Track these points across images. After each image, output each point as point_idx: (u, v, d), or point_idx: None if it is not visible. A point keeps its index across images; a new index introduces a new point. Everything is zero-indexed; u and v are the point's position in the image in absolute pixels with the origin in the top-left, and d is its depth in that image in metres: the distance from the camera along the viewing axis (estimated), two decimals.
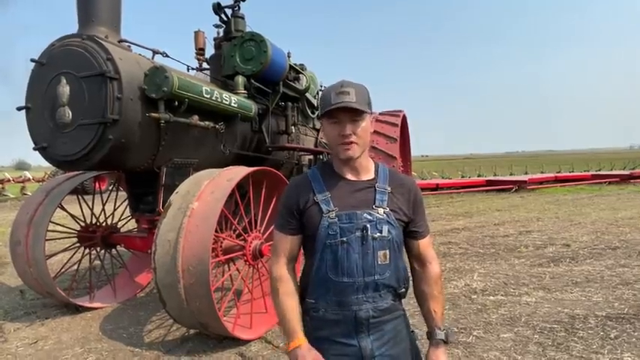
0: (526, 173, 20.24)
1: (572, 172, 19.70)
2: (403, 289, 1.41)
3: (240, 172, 3.37)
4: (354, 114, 1.30)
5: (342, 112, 1.29)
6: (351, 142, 1.30)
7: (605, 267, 5.02)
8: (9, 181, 18.44)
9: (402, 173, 1.54)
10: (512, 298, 4.07)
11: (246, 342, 3.31)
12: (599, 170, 20.59)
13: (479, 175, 19.62)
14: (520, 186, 14.69)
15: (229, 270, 3.77)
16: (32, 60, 3.21)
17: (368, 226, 1.30)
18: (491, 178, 17.24)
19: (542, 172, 20.05)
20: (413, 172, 21.16)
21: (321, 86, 8.24)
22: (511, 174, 19.91)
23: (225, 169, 3.48)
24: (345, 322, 1.33)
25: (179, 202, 3.16)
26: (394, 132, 6.50)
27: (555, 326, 3.38)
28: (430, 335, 1.42)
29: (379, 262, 1.32)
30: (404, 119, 7.23)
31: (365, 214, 1.32)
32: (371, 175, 1.40)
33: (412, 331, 1.46)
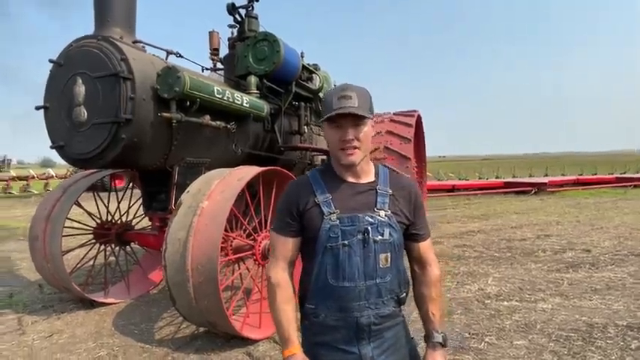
0: (546, 175, 19.72)
1: (595, 174, 19.06)
2: (404, 294, 1.39)
3: (250, 171, 3.38)
4: (356, 119, 1.29)
5: (344, 117, 1.28)
6: (354, 148, 1.30)
7: (627, 274, 4.83)
8: (33, 177, 19.09)
9: (402, 175, 1.51)
10: (527, 304, 3.95)
11: (254, 341, 3.32)
12: (624, 173, 19.89)
13: (497, 177, 19.22)
14: (540, 188, 14.31)
15: (239, 269, 3.78)
16: (50, 60, 3.29)
17: (369, 229, 1.29)
18: (510, 179, 16.88)
19: (563, 175, 19.49)
20: (428, 173, 20.92)
21: (335, 86, 8.20)
22: (530, 176, 19.43)
23: (235, 168, 3.49)
24: (345, 329, 1.31)
25: (190, 201, 3.19)
26: (408, 132, 6.42)
27: (572, 335, 3.26)
28: (428, 338, 1.42)
29: (380, 266, 1.31)
30: (418, 119, 7.13)
31: (367, 217, 1.30)
32: (371, 178, 1.39)
33: (412, 338, 1.44)
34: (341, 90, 1.30)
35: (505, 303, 4.02)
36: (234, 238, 3.50)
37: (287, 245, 1.38)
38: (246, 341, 3.29)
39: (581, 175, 18.64)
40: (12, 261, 6.26)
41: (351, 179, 1.37)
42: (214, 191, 3.17)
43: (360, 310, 1.29)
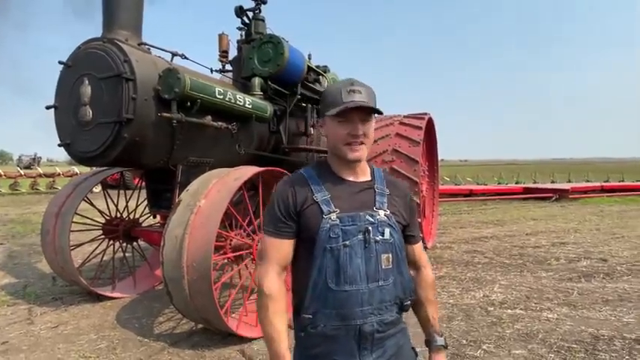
0: (569, 181, 19.05)
1: (622, 181, 18.28)
2: (408, 302, 1.32)
3: (247, 171, 3.42)
4: (365, 114, 1.25)
5: (354, 112, 1.23)
6: (361, 143, 1.26)
7: None
8: (59, 175, 19.88)
9: (393, 176, 1.47)
10: (531, 313, 3.83)
11: (250, 340, 3.35)
12: None
13: (517, 182, 18.70)
14: (561, 195, 13.82)
15: (238, 268, 3.82)
16: (60, 62, 3.44)
17: (370, 228, 1.23)
18: (530, 185, 16.37)
19: (587, 181, 18.78)
20: (446, 177, 20.61)
21: None
22: (552, 182, 18.81)
23: (234, 168, 3.54)
24: (346, 338, 1.21)
25: (188, 200, 3.25)
26: (417, 135, 6.34)
27: (575, 346, 3.14)
28: (429, 342, 1.37)
29: (383, 267, 1.24)
30: (429, 122, 7.03)
31: (367, 216, 1.25)
32: (368, 177, 1.35)
33: (412, 347, 1.37)
34: (349, 84, 1.24)
35: (509, 311, 3.91)
36: (232, 238, 3.55)
37: (282, 248, 1.27)
38: (242, 339, 3.32)
39: (606, 181, 17.91)
40: (30, 255, 6.54)
41: (348, 177, 1.32)
42: (211, 190, 3.23)
43: (364, 317, 1.21)
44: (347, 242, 1.21)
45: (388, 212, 1.28)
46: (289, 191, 1.28)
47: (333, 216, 1.22)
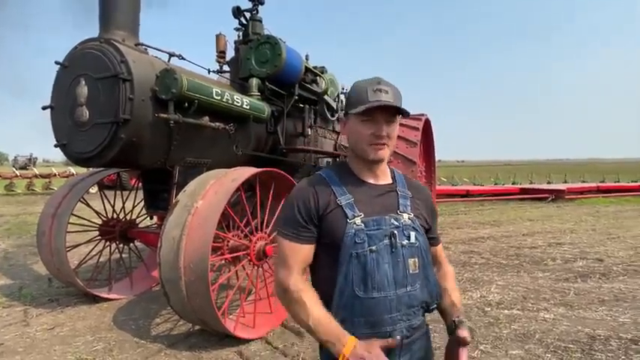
0: (565, 182, 19.15)
1: (618, 182, 18.39)
2: (434, 306, 1.30)
3: (245, 172, 3.41)
4: (390, 115, 1.22)
5: (380, 111, 1.20)
6: (384, 144, 1.23)
7: (639, 285, 4.64)
8: (55, 175, 19.76)
9: (413, 179, 1.46)
10: (528, 314, 3.85)
11: (247, 341, 3.34)
12: None
13: (513, 183, 18.78)
14: (557, 195, 13.89)
15: (235, 269, 3.82)
16: (56, 62, 3.42)
17: (396, 232, 1.20)
18: (526, 186, 16.45)
19: (583, 181, 18.88)
20: (443, 178, 20.65)
21: (343, 88, 8.20)
22: (549, 182, 18.89)
23: (232, 169, 3.54)
24: None
25: (185, 201, 3.24)
26: (415, 136, 6.36)
27: (571, 346, 3.16)
28: (457, 323, 1.28)
29: (410, 272, 1.21)
30: (427, 123, 7.05)
31: (392, 220, 1.22)
32: (389, 180, 1.33)
33: (431, 347, 1.36)
34: (376, 83, 1.21)
35: (506, 311, 3.92)
36: (230, 239, 3.54)
37: (302, 253, 1.22)
38: (239, 340, 3.31)
39: (602, 182, 18.02)
40: (26, 256, 6.50)
41: (370, 180, 1.28)
42: (209, 191, 3.22)
43: (393, 324, 1.18)
44: (373, 247, 1.18)
45: (412, 215, 1.26)
46: (311, 193, 1.23)
47: (358, 220, 1.19)
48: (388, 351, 1.17)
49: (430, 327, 1.39)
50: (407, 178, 1.38)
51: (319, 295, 1.22)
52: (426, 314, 1.31)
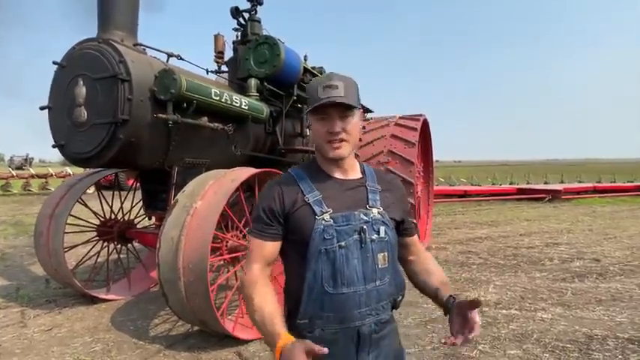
0: (562, 182, 19.24)
1: (614, 182, 18.49)
2: (400, 297, 1.32)
3: (244, 173, 3.41)
4: (344, 109, 1.21)
5: (331, 108, 1.20)
6: (341, 140, 1.22)
7: (636, 285, 4.67)
8: (52, 176, 19.65)
9: (384, 171, 1.46)
10: (526, 313, 3.86)
11: (246, 341, 3.34)
12: None
13: (510, 183, 18.85)
14: (554, 195, 13.95)
15: (235, 269, 3.81)
16: (54, 62, 3.40)
17: (365, 227, 1.21)
18: (523, 186, 16.51)
19: (579, 182, 18.98)
20: (440, 178, 20.70)
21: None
22: (546, 182, 18.98)
23: (231, 169, 3.53)
24: (345, 341, 1.19)
25: (184, 201, 3.24)
26: (413, 136, 6.38)
27: (569, 346, 3.17)
28: (448, 301, 1.25)
29: (379, 266, 1.22)
30: (424, 124, 7.07)
31: (361, 215, 1.22)
32: (358, 174, 1.33)
33: (399, 343, 1.37)
34: (327, 79, 1.21)
35: (504, 311, 3.94)
36: (229, 239, 3.54)
37: (267, 250, 1.25)
38: (238, 341, 3.31)
39: (599, 182, 18.12)
40: (23, 256, 6.47)
41: (338, 175, 1.29)
42: (208, 192, 3.21)
43: (362, 319, 1.19)
44: (342, 243, 1.18)
45: (381, 209, 1.26)
46: (276, 193, 1.25)
47: (327, 216, 1.20)
48: (358, 347, 1.20)
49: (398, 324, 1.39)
50: (377, 172, 1.37)
51: (290, 292, 1.24)
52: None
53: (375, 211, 1.24)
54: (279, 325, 1.11)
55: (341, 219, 1.20)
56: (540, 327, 3.54)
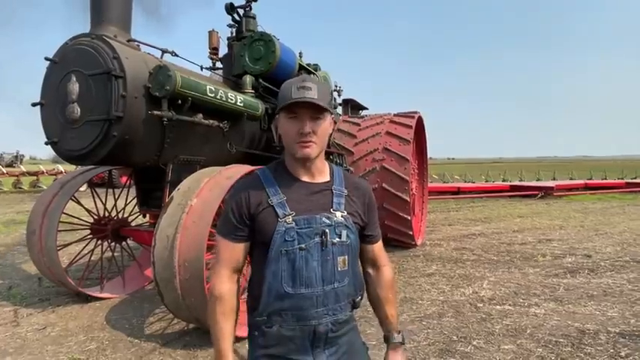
0: (554, 179, 19.46)
1: (605, 179, 18.74)
2: (359, 297, 1.35)
3: (240, 170, 3.40)
4: (315, 111, 1.22)
5: (303, 108, 1.20)
6: (310, 141, 1.22)
7: (626, 280, 4.75)
8: (43, 173, 19.43)
9: (355, 175, 1.47)
10: (519, 309, 3.91)
11: (242, 339, 3.33)
12: (635, 178, 19.50)
13: (503, 180, 19.02)
14: (546, 192, 14.13)
15: None
16: (46, 58, 3.35)
17: (327, 230, 1.22)
18: (516, 183, 16.68)
19: (571, 179, 19.22)
20: (434, 175, 20.81)
21: (336, 86, 8.19)
22: (538, 179, 19.19)
23: (226, 167, 3.52)
24: (301, 338, 1.23)
25: (179, 199, 3.22)
26: (407, 134, 6.40)
27: (562, 340, 3.22)
28: (387, 339, 1.41)
29: (339, 269, 1.25)
30: (419, 121, 7.09)
31: (323, 218, 1.24)
32: (326, 178, 1.33)
33: (363, 342, 1.40)
34: (301, 80, 1.22)
35: (497, 307, 3.98)
36: None
37: (235, 251, 1.27)
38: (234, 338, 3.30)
39: (590, 179, 18.35)
40: (14, 255, 6.39)
41: (305, 178, 1.29)
42: (203, 189, 3.20)
43: (318, 318, 1.23)
44: (303, 245, 1.21)
45: (345, 213, 1.27)
46: (243, 194, 1.26)
47: (289, 219, 1.21)
48: (313, 344, 1.24)
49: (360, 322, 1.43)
50: (346, 175, 1.38)
51: (252, 288, 1.28)
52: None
53: (338, 214, 1.26)
54: (227, 347, 1.22)
55: (303, 222, 1.22)
56: (534, 322, 3.58)
